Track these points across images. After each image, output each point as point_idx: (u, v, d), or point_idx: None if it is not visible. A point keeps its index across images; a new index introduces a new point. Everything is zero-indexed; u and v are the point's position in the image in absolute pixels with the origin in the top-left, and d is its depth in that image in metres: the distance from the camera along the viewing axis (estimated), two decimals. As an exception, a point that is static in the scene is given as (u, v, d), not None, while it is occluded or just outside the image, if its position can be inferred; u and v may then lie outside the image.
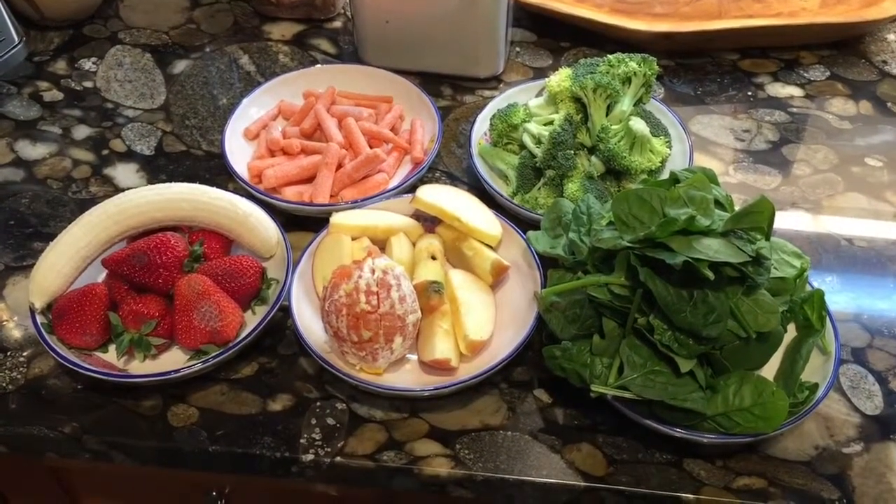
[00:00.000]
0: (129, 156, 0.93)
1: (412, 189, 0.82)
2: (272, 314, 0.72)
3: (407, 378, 0.71)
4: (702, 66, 1.03)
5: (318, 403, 0.71)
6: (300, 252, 0.77)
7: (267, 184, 0.84)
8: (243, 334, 0.71)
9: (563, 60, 1.04)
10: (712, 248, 0.59)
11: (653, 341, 0.61)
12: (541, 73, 1.02)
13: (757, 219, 0.60)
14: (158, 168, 0.91)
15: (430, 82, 1.00)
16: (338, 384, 0.72)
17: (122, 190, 0.88)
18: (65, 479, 0.85)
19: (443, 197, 0.78)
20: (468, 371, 0.70)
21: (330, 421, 0.70)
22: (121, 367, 0.71)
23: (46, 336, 0.70)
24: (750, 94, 0.99)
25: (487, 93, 1.00)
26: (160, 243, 0.71)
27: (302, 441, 0.68)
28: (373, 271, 0.67)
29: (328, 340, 0.70)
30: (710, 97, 0.99)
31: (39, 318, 0.71)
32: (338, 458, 0.67)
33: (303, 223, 0.83)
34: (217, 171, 0.90)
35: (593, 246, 0.66)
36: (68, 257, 0.71)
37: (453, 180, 0.90)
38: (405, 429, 0.69)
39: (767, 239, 0.62)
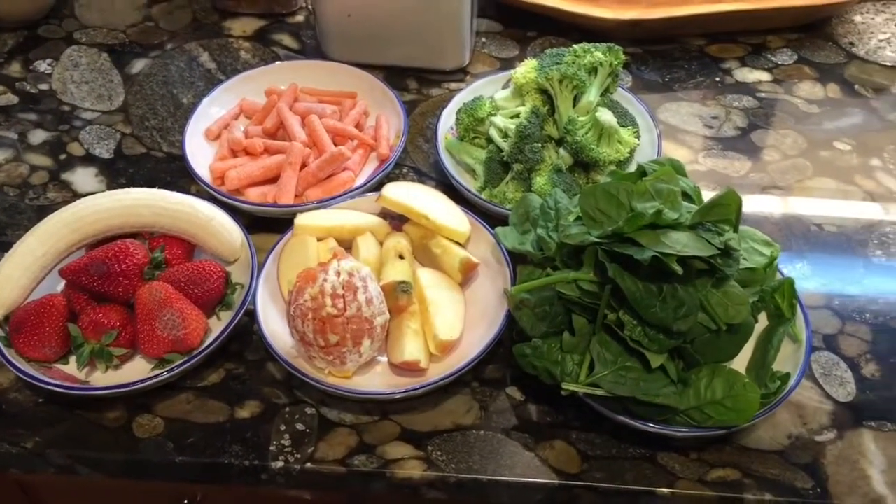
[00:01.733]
0: (87, 160, 0.90)
1: (379, 187, 0.81)
2: (237, 320, 0.70)
3: (377, 381, 0.69)
4: (669, 53, 1.02)
5: (287, 409, 0.70)
6: (265, 255, 0.75)
7: (230, 185, 0.82)
8: (208, 341, 0.70)
9: (529, 50, 1.03)
10: (680, 242, 0.58)
11: (623, 337, 0.61)
12: (508, 64, 1.01)
13: (724, 211, 0.60)
14: (118, 171, 0.89)
15: (395, 76, 0.98)
16: (307, 389, 0.70)
17: (82, 195, 0.85)
18: (31, 491, 0.83)
19: (410, 194, 0.77)
20: (439, 371, 0.69)
21: (299, 426, 0.68)
22: (82, 378, 0.69)
23: (3, 350, 0.68)
24: (718, 79, 0.99)
25: (454, 85, 0.98)
26: (119, 251, 0.69)
27: (272, 448, 0.67)
28: (338, 274, 0.66)
29: (295, 345, 0.69)
30: (677, 84, 0.98)
31: (-4, 333, 0.69)
32: (308, 465, 0.66)
33: (267, 224, 0.81)
34: (179, 174, 0.88)
35: (561, 242, 0.65)
36: (24, 268, 0.69)
37: (421, 176, 0.88)
38: (376, 432, 0.68)
39: (735, 231, 0.62)
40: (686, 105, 0.96)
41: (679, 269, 0.57)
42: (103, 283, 0.69)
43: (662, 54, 1.02)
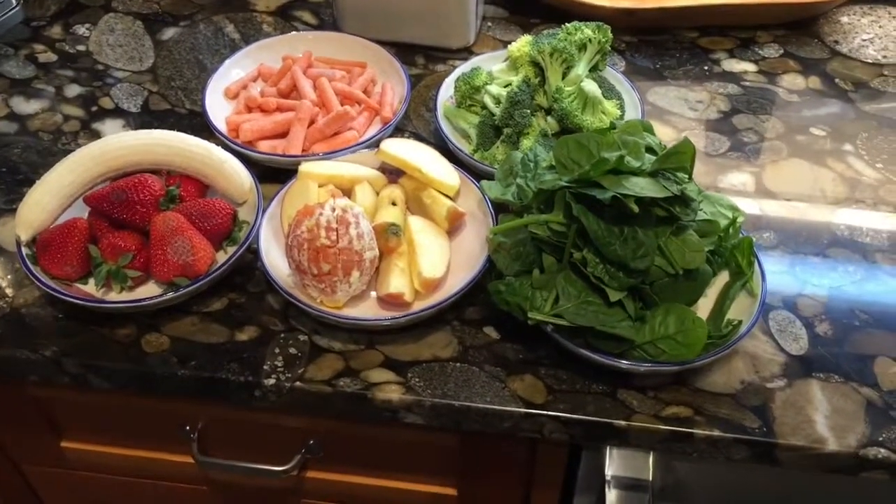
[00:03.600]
0: (116, 112, 0.98)
1: (379, 143, 0.88)
2: (242, 251, 0.77)
3: (366, 312, 0.76)
4: (662, 43, 1.08)
5: (283, 335, 0.76)
6: (271, 199, 0.82)
7: (243, 137, 0.89)
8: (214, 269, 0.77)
9: (531, 34, 1.10)
10: (639, 185, 0.64)
11: (586, 274, 0.67)
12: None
13: (680, 159, 0.65)
14: (144, 124, 0.96)
15: (405, 52, 1.05)
16: (301, 318, 0.77)
17: (109, 143, 0.93)
18: (49, 412, 0.90)
19: (406, 149, 0.83)
20: (421, 306, 0.75)
21: (292, 351, 0.75)
22: (99, 297, 0.76)
23: (31, 266, 0.75)
24: (706, 68, 1.05)
25: (458, 63, 1.05)
26: (138, 182, 0.76)
27: (265, 367, 0.74)
28: (333, 209, 0.73)
29: (292, 275, 0.76)
30: (668, 71, 1.04)
31: (24, 250, 0.77)
32: (297, 384, 0.72)
33: (276, 175, 0.88)
34: (199, 128, 0.95)
35: (537, 189, 0.71)
36: (53, 194, 0.77)
37: (421, 140, 0.95)
38: (362, 358, 0.74)
39: (689, 177, 0.68)
40: (674, 90, 1.02)
41: (635, 208, 0.63)
42: (122, 210, 0.76)
43: (656, 44, 1.08)
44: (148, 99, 1.00)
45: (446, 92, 0.95)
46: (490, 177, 0.85)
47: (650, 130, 0.74)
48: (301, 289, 0.75)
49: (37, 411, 0.89)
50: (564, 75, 0.88)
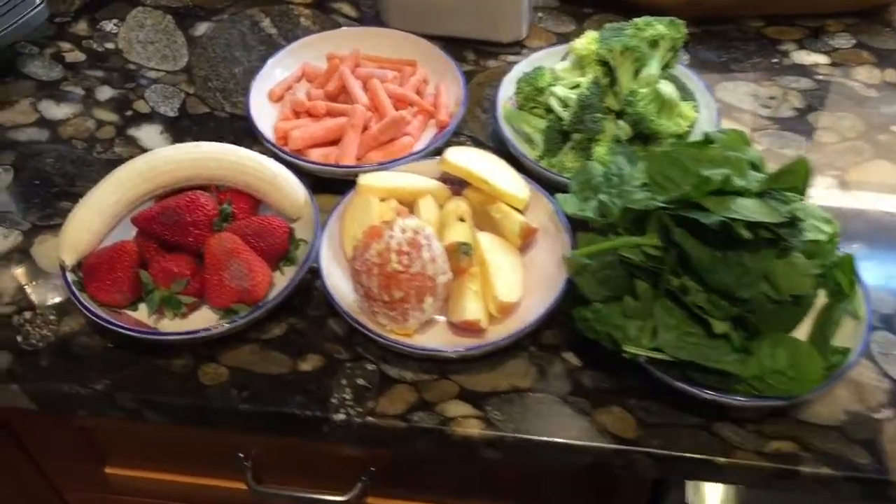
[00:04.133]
0: (152, 117, 0.92)
1: (438, 152, 0.82)
2: (303, 274, 0.72)
3: (437, 339, 0.71)
4: (726, 34, 1.02)
5: (349, 364, 0.71)
6: (327, 215, 0.77)
7: (293, 145, 0.84)
8: (273, 294, 0.72)
9: (585, 26, 1.03)
10: (748, 209, 0.59)
11: (686, 303, 0.61)
12: (564, 39, 1.01)
13: (793, 179, 0.60)
14: (182, 130, 0.91)
15: (452, 47, 0.98)
16: (367, 345, 0.72)
17: (147, 150, 0.87)
18: (93, 440, 0.85)
19: (470, 159, 0.78)
20: (498, 333, 0.70)
21: (360, 381, 0.70)
22: (151, 325, 0.71)
23: (77, 293, 0.70)
24: (775, 61, 0.98)
25: (511, 58, 0.99)
26: (190, 202, 0.71)
27: (332, 401, 0.69)
28: (403, 231, 0.67)
29: (358, 301, 0.70)
30: (735, 64, 0.98)
31: (70, 276, 0.71)
32: (369, 418, 0.68)
33: (329, 185, 0.82)
34: (242, 133, 0.90)
35: (625, 207, 0.66)
36: (98, 213, 0.71)
37: (478, 145, 0.89)
38: (435, 389, 0.69)
39: (802, 199, 0.62)
40: (743, 84, 0.96)
41: (748, 235, 0.57)
42: (174, 231, 0.71)
43: (719, 35, 1.02)
44: (185, 102, 0.94)
45: (504, 92, 0.89)
46: (557, 186, 0.80)
47: (746, 142, 0.68)
48: (369, 315, 0.70)
49: (81, 438, 0.84)
50: (635, 75, 0.82)
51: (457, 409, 0.68)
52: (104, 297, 0.70)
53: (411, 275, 0.66)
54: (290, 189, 0.76)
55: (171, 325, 0.72)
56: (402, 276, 0.66)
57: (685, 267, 0.61)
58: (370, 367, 0.71)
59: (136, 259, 0.71)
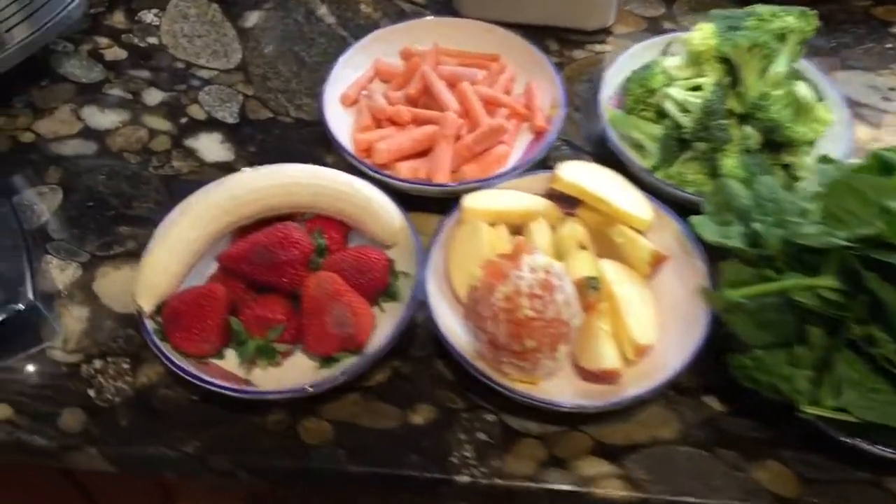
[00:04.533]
0: (210, 124, 0.83)
1: (539, 164, 0.74)
2: (410, 314, 0.64)
3: (564, 387, 0.63)
4: (831, 16, 0.93)
5: (465, 415, 0.64)
6: (425, 238, 0.69)
7: (378, 159, 0.75)
8: (378, 338, 0.64)
9: (675, 9, 0.94)
10: (957, 252, 0.51)
11: (872, 355, 0.54)
12: (654, 25, 0.92)
13: None
14: (245, 138, 0.81)
15: (532, 36, 0.89)
16: (484, 392, 0.64)
17: (209, 164, 0.79)
18: (163, 482, 0.78)
19: (586, 176, 0.69)
20: (633, 377, 0.62)
21: (481, 436, 0.63)
22: (242, 376, 0.63)
23: (159, 343, 0.62)
24: (889, 46, 0.90)
25: (598, 47, 0.90)
26: (283, 238, 0.62)
27: (453, 459, 0.61)
28: (533, 270, 0.59)
29: (477, 346, 0.62)
30: (845, 51, 0.89)
31: (149, 323, 0.63)
32: (496, 480, 0.60)
33: (417, 203, 0.74)
34: (312, 142, 0.81)
35: (788, 240, 0.58)
36: (177, 253, 0.63)
37: (574, 150, 0.81)
38: (566, 444, 0.62)
39: None
40: (859, 75, 0.87)
41: (965, 286, 0.50)
42: (266, 272, 0.62)
43: (824, 17, 0.92)
44: (244, 105, 0.84)
45: (606, 91, 0.80)
46: (674, 200, 0.72)
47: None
48: (493, 363, 0.62)
49: (151, 484, 0.77)
50: (761, 73, 0.73)
51: (594, 466, 0.61)
52: (191, 348, 0.62)
53: (545, 321, 0.58)
54: (385, 215, 0.67)
55: (265, 376, 0.64)
56: (536, 323, 0.58)
57: (875, 314, 0.53)
58: (489, 417, 0.64)
59: (226, 305, 0.62)
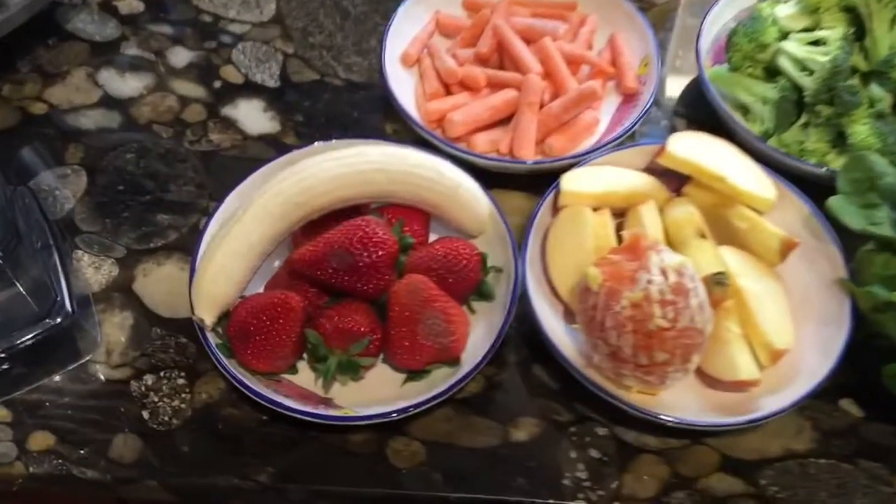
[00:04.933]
0: (249, 89, 0.72)
1: (636, 135, 0.65)
2: (510, 319, 0.56)
3: (687, 398, 0.55)
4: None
5: (573, 430, 0.56)
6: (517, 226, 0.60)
7: (453, 132, 0.65)
8: (472, 346, 0.56)
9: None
10: None
11: None
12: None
13: None
14: (290, 105, 0.71)
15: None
16: (593, 402, 0.57)
17: (252, 137, 0.69)
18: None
19: (699, 150, 0.60)
20: (765, 383, 0.55)
21: (593, 453, 0.55)
22: (321, 394, 0.55)
23: (226, 363, 0.54)
24: None
25: (678, -11, 0.79)
26: (365, 237, 0.53)
27: (565, 482, 0.54)
28: (664, 273, 0.51)
29: (595, 358, 0.54)
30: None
31: (212, 338, 0.54)
32: (616, 504, 0.54)
33: (495, 180, 0.64)
34: (367, 108, 0.71)
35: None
36: (240, 257, 0.54)
37: (665, 113, 0.71)
38: (690, 460, 0.55)
39: None
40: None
41: None
42: (349, 278, 0.53)
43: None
44: (285, 65, 0.74)
45: (704, 44, 0.70)
46: (788, 173, 0.63)
47: None
48: (610, 374, 0.54)
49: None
50: (891, 26, 0.64)
51: (723, 484, 0.54)
52: (263, 366, 0.54)
53: (678, 331, 0.50)
54: (473, 203, 0.58)
55: (345, 392, 0.56)
56: (668, 333, 0.50)
57: None
58: (601, 431, 0.56)
59: (303, 318, 0.53)
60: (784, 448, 0.56)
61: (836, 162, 0.63)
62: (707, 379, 0.56)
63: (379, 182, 0.56)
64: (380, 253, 0.53)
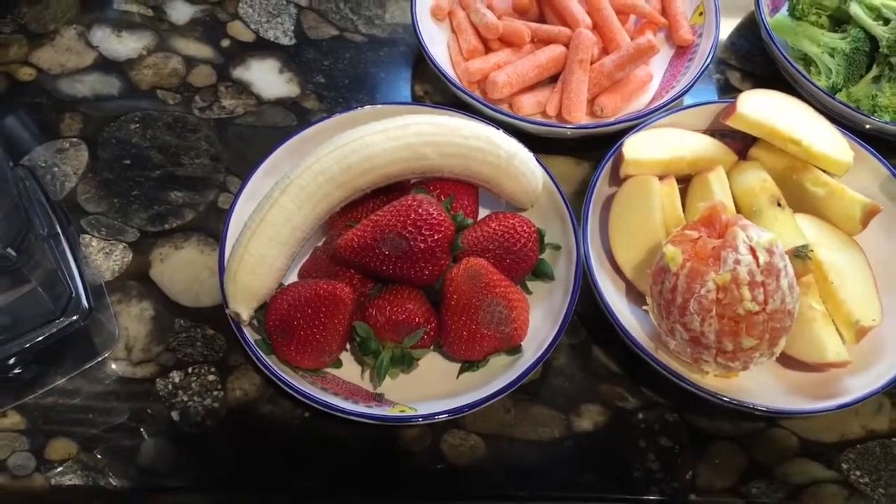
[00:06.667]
0: (261, 47, 0.65)
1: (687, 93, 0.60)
2: (574, 302, 0.51)
3: (764, 380, 0.51)
4: None
5: (640, 415, 0.52)
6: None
7: (497, 94, 0.59)
8: (533, 331, 0.51)
9: None
10: None
11: None
12: None
13: None
14: (309, 65, 0.65)
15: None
16: (660, 386, 0.53)
17: (268, 101, 0.63)
18: None
19: (771, 110, 0.55)
20: (850, 366, 0.51)
21: (664, 441, 0.52)
22: (373, 390, 0.51)
23: (266, 360, 0.48)
24: None
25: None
26: (419, 219, 0.47)
27: (637, 475, 0.51)
28: (752, 252, 0.46)
29: (672, 344, 0.50)
30: None
31: (249, 334, 0.49)
32: (692, 497, 0.50)
33: (541, 145, 0.59)
34: (395, 67, 0.64)
35: None
36: (281, 243, 0.48)
37: (722, 67, 0.66)
38: (766, 445, 0.52)
39: None
40: None
41: None
42: (403, 265, 0.48)
43: None
44: (299, 20, 0.67)
45: (760, -10, 0.64)
46: (860, 129, 0.59)
47: None
48: (687, 357, 0.50)
49: None
50: (971, -35, 0.59)
51: (804, 470, 0.51)
52: (308, 362, 0.49)
53: (769, 314, 0.46)
54: (528, 174, 0.53)
55: (396, 385, 0.51)
56: (758, 317, 0.46)
57: None
58: (670, 417, 0.52)
59: (352, 309, 0.48)
60: (865, 428, 0.52)
61: (912, 118, 0.59)
62: (786, 359, 0.52)
63: (428, 157, 0.50)
64: (436, 236, 0.48)
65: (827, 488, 0.50)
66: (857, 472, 0.51)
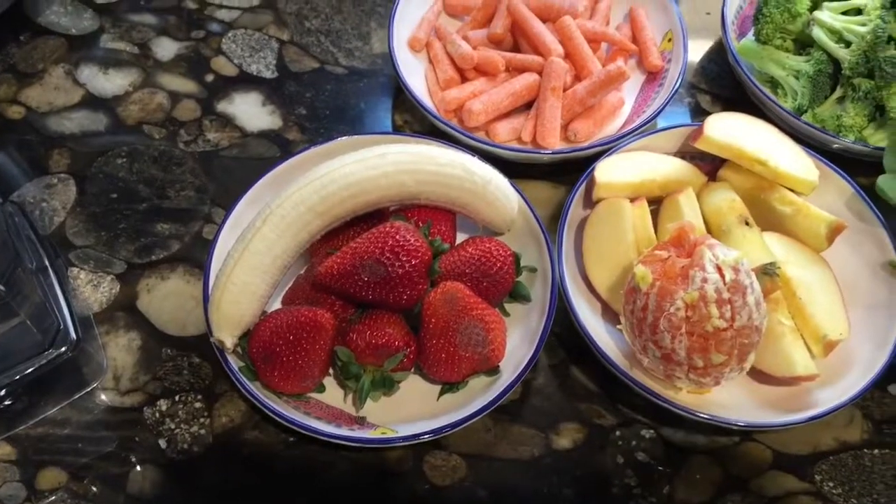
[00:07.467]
0: (244, 81, 0.67)
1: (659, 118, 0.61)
2: (550, 324, 0.52)
3: (738, 394, 0.53)
4: None
5: (618, 432, 0.54)
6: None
7: (474, 122, 0.61)
8: (510, 353, 0.52)
9: None
10: None
11: None
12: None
13: None
14: (291, 98, 0.66)
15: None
16: (635, 402, 0.54)
17: (253, 134, 0.64)
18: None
19: (738, 132, 0.57)
20: (819, 379, 0.52)
21: (641, 457, 0.53)
22: (354, 413, 0.52)
23: (250, 387, 0.50)
24: None
25: (690, -44, 0.75)
26: (396, 245, 0.49)
27: (614, 490, 0.52)
28: (719, 269, 0.48)
29: (645, 361, 0.51)
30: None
31: (233, 361, 0.50)
32: (671, 512, 0.51)
33: (515, 170, 0.61)
34: (376, 96, 0.66)
35: None
36: (261, 272, 0.50)
37: (690, 90, 0.68)
38: (741, 458, 0.53)
39: None
40: None
41: None
42: (381, 290, 0.50)
43: None
44: (281, 54, 0.69)
45: (729, 12, 0.66)
46: (825, 149, 0.61)
47: None
48: (660, 375, 0.51)
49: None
50: (926, -11, 0.61)
51: (777, 482, 0.52)
52: (291, 387, 0.50)
53: (736, 330, 0.48)
54: (502, 200, 0.55)
55: (377, 408, 0.52)
56: (725, 334, 0.47)
57: None
58: (646, 433, 0.54)
59: (333, 335, 0.50)
60: (837, 440, 0.54)
61: (874, 137, 0.61)
62: (757, 374, 0.53)
63: (406, 184, 0.52)
64: (413, 262, 0.49)
65: (800, 500, 0.52)
66: (830, 484, 0.52)
